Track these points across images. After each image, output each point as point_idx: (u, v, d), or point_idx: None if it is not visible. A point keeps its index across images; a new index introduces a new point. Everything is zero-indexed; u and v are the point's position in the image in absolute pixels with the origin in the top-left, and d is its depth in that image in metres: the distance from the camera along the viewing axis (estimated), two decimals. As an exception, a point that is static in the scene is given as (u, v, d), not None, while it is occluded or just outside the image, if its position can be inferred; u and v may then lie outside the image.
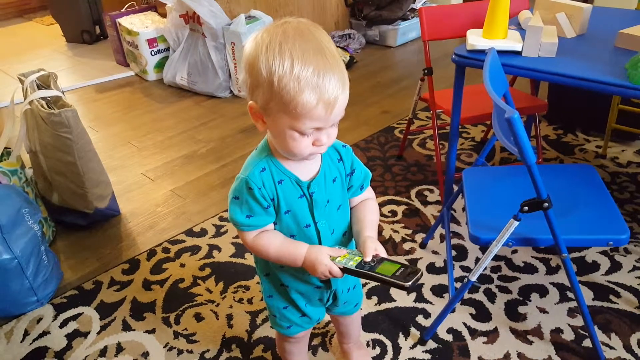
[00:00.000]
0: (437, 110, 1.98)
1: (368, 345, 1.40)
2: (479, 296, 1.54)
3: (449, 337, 1.41)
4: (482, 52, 1.46)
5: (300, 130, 0.80)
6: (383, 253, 0.90)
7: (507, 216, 1.17)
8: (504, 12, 1.47)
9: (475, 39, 1.50)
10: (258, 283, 1.63)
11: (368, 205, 1.02)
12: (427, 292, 1.56)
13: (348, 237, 1.02)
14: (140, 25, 3.25)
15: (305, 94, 0.75)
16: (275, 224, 0.95)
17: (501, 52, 1.45)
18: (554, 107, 2.39)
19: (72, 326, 1.52)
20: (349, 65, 3.40)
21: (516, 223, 1.15)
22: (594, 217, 1.26)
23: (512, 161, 2.22)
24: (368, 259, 0.88)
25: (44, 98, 1.75)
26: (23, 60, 3.80)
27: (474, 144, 2.38)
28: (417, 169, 2.21)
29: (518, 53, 1.47)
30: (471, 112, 1.83)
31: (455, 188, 1.61)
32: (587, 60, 1.42)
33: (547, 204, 1.12)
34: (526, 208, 1.14)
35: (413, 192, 2.05)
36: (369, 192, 1.03)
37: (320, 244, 0.96)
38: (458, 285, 1.53)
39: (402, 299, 1.54)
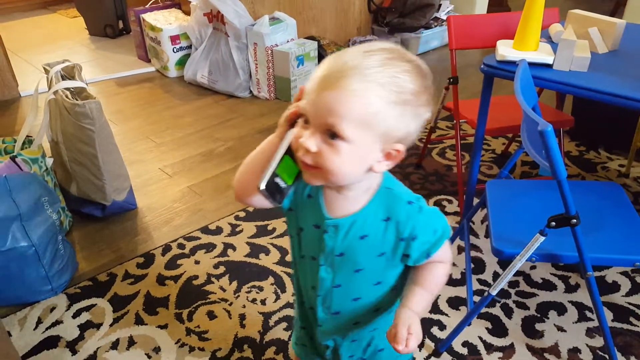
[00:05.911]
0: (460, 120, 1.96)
1: (381, 353, 1.38)
2: (496, 311, 1.51)
3: (464, 351, 1.39)
4: (512, 63, 1.44)
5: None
6: (414, 340, 0.72)
7: (532, 231, 1.15)
8: (537, 24, 1.45)
9: (506, 50, 1.49)
10: (272, 284, 1.62)
11: (434, 269, 0.80)
12: (442, 304, 1.54)
13: (362, 324, 0.87)
14: (164, 21, 3.27)
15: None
16: (291, 236, 0.85)
17: (531, 65, 1.43)
18: (577, 123, 2.35)
19: (85, 317, 1.51)
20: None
21: (542, 238, 1.13)
22: (620, 237, 1.23)
23: (532, 175, 2.19)
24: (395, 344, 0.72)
25: (68, 89, 1.76)
26: (46, 51, 3.83)
27: (495, 157, 2.35)
28: (436, 178, 2.19)
29: (549, 66, 1.45)
30: (495, 124, 1.80)
31: (476, 200, 1.59)
32: (619, 76, 1.40)
33: (575, 221, 1.10)
34: (553, 223, 1.12)
35: (431, 202, 2.02)
36: (440, 255, 0.78)
37: (318, 288, 0.82)
38: (476, 298, 1.51)
39: (418, 309, 1.51)
